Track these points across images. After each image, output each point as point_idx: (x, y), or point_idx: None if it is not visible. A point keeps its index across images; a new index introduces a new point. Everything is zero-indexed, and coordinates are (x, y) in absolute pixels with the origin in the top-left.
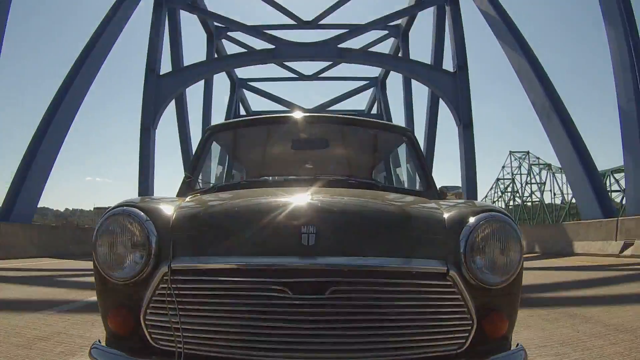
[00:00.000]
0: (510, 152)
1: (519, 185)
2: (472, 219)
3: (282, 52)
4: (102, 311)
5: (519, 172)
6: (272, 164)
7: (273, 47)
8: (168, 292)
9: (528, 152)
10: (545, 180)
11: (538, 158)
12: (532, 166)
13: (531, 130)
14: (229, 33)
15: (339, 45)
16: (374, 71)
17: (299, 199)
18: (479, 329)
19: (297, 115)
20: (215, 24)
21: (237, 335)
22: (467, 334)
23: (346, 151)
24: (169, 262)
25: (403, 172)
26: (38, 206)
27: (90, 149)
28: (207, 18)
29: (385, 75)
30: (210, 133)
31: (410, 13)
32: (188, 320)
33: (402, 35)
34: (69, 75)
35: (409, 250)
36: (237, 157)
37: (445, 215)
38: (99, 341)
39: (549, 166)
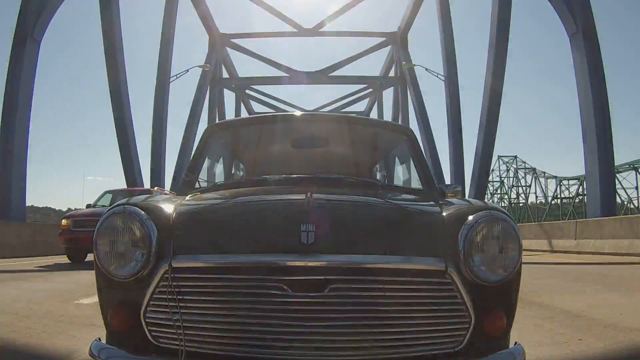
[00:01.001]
0: (499, 157)
1: (507, 188)
2: (470, 218)
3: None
4: (103, 309)
5: (507, 176)
6: (272, 162)
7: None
8: (169, 289)
9: (515, 157)
10: (531, 183)
11: (524, 162)
12: (518, 170)
13: (519, 136)
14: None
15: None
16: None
17: (298, 197)
18: (477, 326)
19: (297, 114)
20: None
21: (237, 333)
22: (465, 332)
23: (346, 150)
24: (169, 260)
25: (403, 171)
26: (41, 206)
27: (92, 149)
28: (243, 97)
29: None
30: (211, 132)
31: (376, 94)
32: (188, 318)
33: (376, 93)
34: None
35: (407, 248)
36: (237, 155)
37: (444, 214)
38: (99, 339)
39: (533, 170)
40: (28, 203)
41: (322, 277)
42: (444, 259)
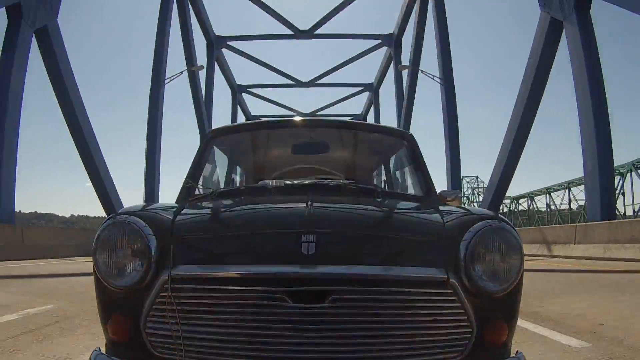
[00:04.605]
0: (463, 177)
1: (469, 204)
2: (472, 227)
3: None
4: (102, 318)
5: (471, 192)
6: (273, 168)
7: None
8: (168, 300)
9: (477, 177)
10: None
11: (483, 182)
12: (474, 189)
13: (481, 158)
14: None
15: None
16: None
17: (299, 206)
18: (479, 336)
19: (298, 119)
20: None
21: (237, 344)
22: (467, 342)
23: (346, 156)
24: (169, 270)
25: (403, 177)
26: (43, 212)
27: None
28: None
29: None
30: (211, 137)
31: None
32: (188, 329)
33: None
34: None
35: (409, 258)
36: (238, 161)
37: (446, 223)
38: (99, 349)
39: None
40: (32, 209)
41: (323, 288)
42: (446, 268)
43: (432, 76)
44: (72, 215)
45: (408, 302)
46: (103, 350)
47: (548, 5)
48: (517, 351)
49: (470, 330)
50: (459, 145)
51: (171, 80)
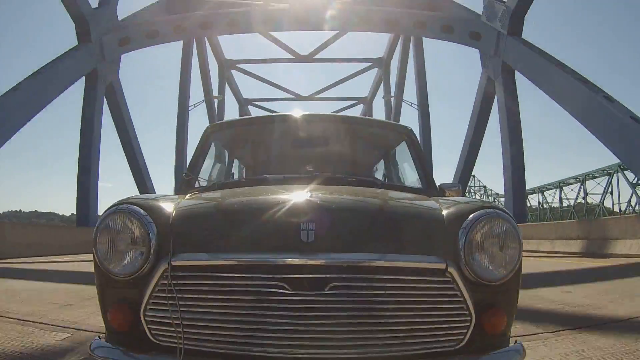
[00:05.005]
0: None
1: None
2: (470, 216)
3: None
4: (103, 307)
5: (467, 191)
6: (272, 162)
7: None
8: (168, 288)
9: (474, 176)
10: (482, 198)
11: (479, 180)
12: (471, 187)
13: (481, 160)
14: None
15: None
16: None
17: (299, 196)
18: (477, 325)
19: (297, 114)
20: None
21: (236, 331)
22: (465, 330)
23: (346, 149)
24: (169, 259)
25: (403, 170)
26: (44, 211)
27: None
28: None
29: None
30: (210, 132)
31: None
32: (188, 316)
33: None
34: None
35: (408, 247)
36: (237, 155)
37: (444, 212)
38: (99, 337)
39: (484, 187)
40: (32, 208)
41: (323, 276)
42: (444, 257)
43: (410, 103)
44: (72, 214)
45: (407, 290)
46: (103, 338)
47: (486, 65)
48: (516, 340)
49: (469, 318)
50: (431, 157)
51: (195, 107)
